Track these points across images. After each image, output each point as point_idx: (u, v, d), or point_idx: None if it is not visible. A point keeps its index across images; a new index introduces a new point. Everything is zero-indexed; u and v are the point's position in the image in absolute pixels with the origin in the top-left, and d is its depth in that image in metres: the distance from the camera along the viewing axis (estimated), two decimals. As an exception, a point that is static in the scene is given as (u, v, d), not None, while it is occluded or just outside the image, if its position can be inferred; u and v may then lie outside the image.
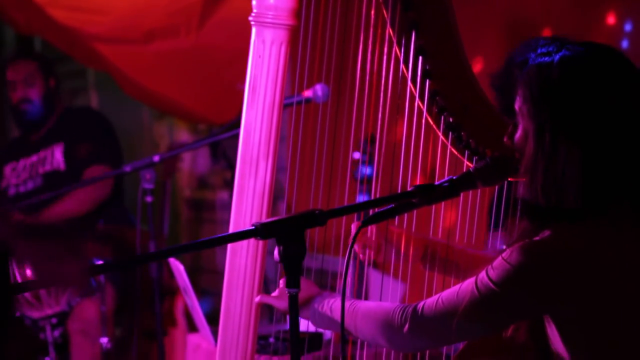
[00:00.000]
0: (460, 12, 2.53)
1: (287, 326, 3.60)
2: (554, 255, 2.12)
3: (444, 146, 2.51)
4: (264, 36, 2.61)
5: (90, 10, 5.52)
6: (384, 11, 2.52)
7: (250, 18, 2.61)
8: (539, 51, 2.21)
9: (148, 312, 5.45)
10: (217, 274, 4.77)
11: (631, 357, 2.13)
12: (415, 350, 2.43)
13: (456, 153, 2.51)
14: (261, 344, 3.42)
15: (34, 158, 5.40)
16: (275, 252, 2.13)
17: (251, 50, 2.63)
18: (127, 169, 4.37)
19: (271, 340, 3.42)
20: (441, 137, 2.51)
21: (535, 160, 2.17)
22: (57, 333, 5.01)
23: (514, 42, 2.30)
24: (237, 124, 2.70)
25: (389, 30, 2.51)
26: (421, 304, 2.25)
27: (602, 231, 2.14)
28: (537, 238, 2.16)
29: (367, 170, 4.18)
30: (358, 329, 2.37)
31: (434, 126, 2.52)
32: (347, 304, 2.37)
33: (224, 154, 6.05)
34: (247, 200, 2.65)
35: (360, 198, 4.10)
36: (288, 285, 2.13)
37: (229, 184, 5.50)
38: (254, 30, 2.62)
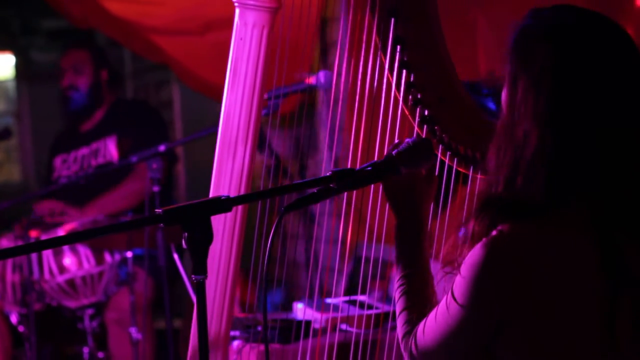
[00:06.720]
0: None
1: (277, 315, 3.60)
2: (506, 256, 1.99)
3: (419, 138, 2.43)
4: (246, 18, 2.58)
5: (146, 2, 5.50)
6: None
7: None
8: (530, 14, 2.06)
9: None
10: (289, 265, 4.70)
11: None
12: None
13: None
14: (251, 332, 3.39)
15: (85, 150, 5.36)
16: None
17: (234, 33, 2.60)
18: (134, 159, 4.35)
19: (259, 328, 3.39)
20: (416, 129, 2.43)
21: (502, 144, 2.04)
22: (95, 323, 5.04)
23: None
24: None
25: (367, 18, 2.46)
26: (414, 340, 2.13)
27: (556, 230, 2.00)
28: (493, 233, 2.01)
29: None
30: None
31: (410, 117, 2.45)
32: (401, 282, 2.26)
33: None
34: (224, 185, 2.62)
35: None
36: (195, 272, 2.05)
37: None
38: (237, 12, 2.59)
